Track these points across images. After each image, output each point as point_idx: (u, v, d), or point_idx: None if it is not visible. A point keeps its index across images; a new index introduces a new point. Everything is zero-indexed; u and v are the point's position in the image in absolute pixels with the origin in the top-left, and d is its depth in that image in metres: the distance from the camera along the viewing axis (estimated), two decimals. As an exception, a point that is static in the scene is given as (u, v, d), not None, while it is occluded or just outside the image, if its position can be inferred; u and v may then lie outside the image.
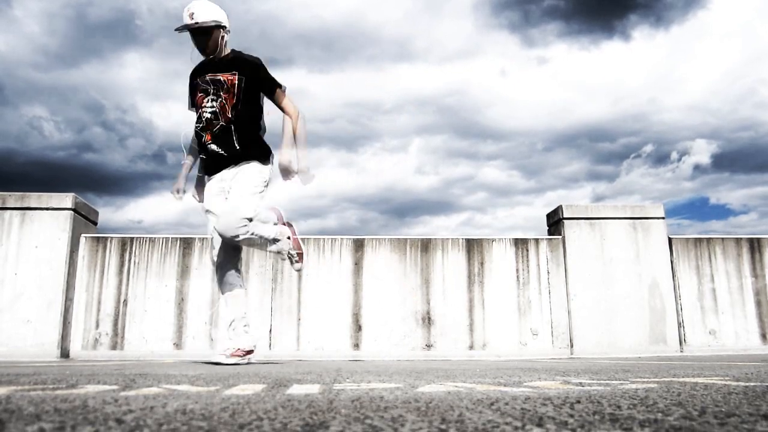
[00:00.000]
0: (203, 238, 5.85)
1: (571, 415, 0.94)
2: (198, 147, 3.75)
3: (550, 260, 5.93)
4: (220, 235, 3.50)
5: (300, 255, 3.75)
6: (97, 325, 5.59)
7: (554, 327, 5.76)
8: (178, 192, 3.85)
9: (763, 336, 5.85)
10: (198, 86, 3.68)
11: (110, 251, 5.77)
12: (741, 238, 6.16)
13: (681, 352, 5.73)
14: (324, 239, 5.88)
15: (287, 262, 3.75)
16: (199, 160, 3.84)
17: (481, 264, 5.88)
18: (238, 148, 3.58)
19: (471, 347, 5.65)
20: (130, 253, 5.77)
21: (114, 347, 5.53)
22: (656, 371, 2.32)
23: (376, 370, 2.69)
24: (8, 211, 5.59)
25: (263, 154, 3.69)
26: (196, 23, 3.54)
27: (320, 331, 5.64)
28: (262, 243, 3.59)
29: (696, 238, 6.13)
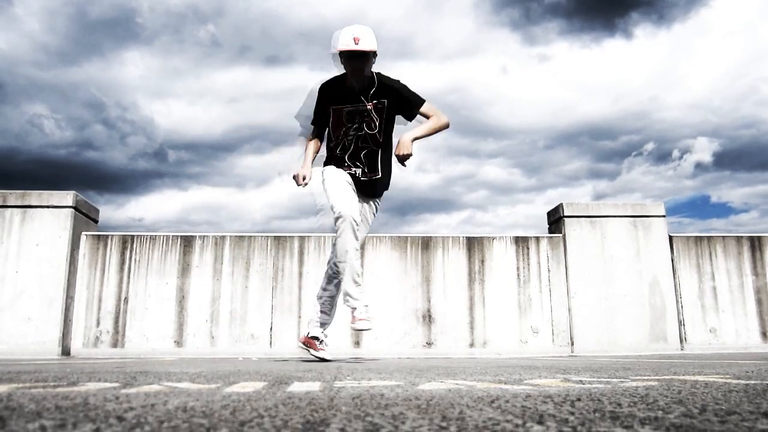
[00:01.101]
0: (204, 236, 5.86)
1: (572, 413, 0.94)
2: (335, 164, 3.80)
3: (551, 258, 5.93)
4: (341, 253, 3.66)
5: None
6: (98, 323, 5.59)
7: (555, 325, 5.76)
8: (304, 179, 3.79)
9: (764, 334, 5.85)
10: (341, 114, 3.73)
11: (111, 249, 5.78)
12: (741, 237, 6.16)
13: (681, 350, 5.73)
14: (325, 237, 5.88)
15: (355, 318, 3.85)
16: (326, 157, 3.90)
17: (482, 262, 5.88)
18: (380, 176, 3.79)
19: (471, 345, 5.65)
20: (131, 251, 5.78)
21: (115, 345, 5.54)
22: (657, 369, 2.32)
23: (376, 367, 2.69)
24: (9, 209, 5.59)
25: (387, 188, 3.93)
26: (362, 50, 3.58)
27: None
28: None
29: (696, 237, 6.13)
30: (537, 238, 6.02)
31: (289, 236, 5.91)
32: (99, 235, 5.86)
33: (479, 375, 1.99)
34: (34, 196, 5.64)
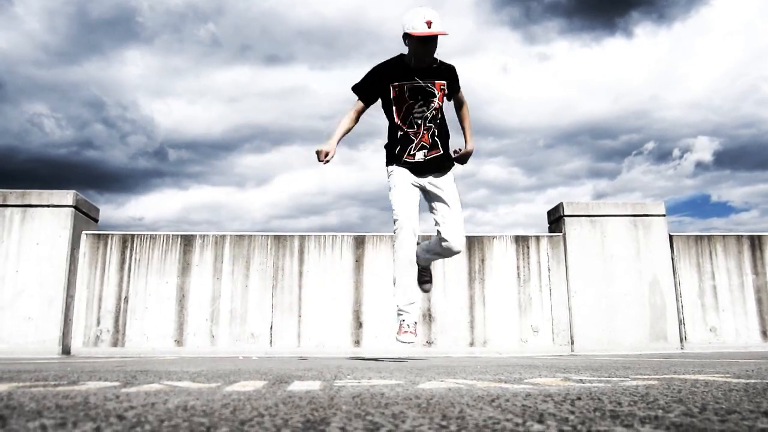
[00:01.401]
0: (204, 235, 5.86)
1: (572, 412, 0.94)
2: (398, 148, 3.78)
3: (551, 257, 5.93)
4: (452, 244, 3.76)
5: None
6: (98, 322, 5.60)
7: (555, 324, 5.76)
8: (326, 156, 3.72)
9: (764, 333, 5.85)
10: (403, 90, 3.71)
11: (111, 248, 5.78)
12: (742, 236, 6.16)
13: (681, 349, 5.73)
14: (325, 236, 5.88)
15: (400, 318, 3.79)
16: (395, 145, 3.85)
17: (482, 261, 5.88)
18: (442, 152, 3.80)
19: (471, 344, 5.65)
20: (131, 250, 5.78)
21: (115, 344, 5.54)
22: (657, 368, 2.32)
23: (376, 366, 2.69)
24: (9, 209, 5.59)
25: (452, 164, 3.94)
26: (436, 33, 3.53)
27: (321, 328, 5.65)
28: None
29: (697, 236, 6.13)
30: (537, 237, 6.02)
31: (289, 235, 5.91)
32: (99, 235, 5.86)
33: (479, 374, 1.99)
34: (35, 196, 5.64)
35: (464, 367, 2.53)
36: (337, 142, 3.77)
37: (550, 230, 6.33)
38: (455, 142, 3.90)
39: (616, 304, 5.77)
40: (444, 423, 0.83)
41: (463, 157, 3.89)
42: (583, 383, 1.55)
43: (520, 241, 5.97)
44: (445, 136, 3.84)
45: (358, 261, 5.82)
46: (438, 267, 5.83)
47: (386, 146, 3.90)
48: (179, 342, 5.57)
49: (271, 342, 5.59)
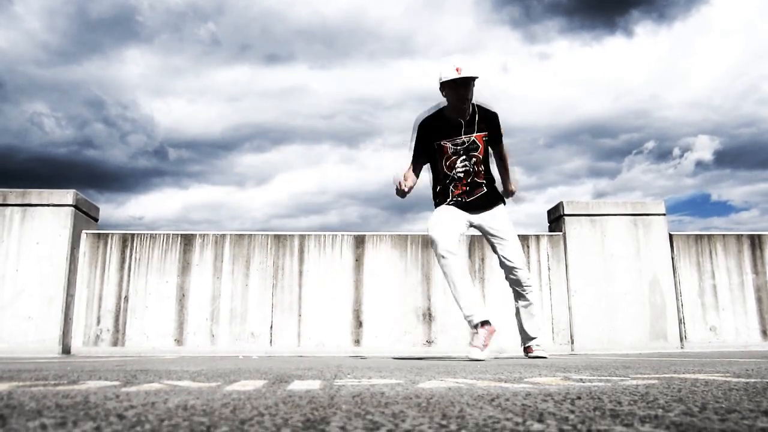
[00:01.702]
0: (204, 235, 5.86)
1: (572, 411, 0.94)
2: (443, 194, 3.91)
3: (551, 256, 5.93)
4: (514, 264, 3.94)
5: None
6: (98, 322, 5.60)
7: (555, 323, 5.76)
8: (402, 184, 3.78)
9: (764, 332, 5.85)
10: (443, 149, 3.81)
11: (111, 247, 5.78)
12: (742, 235, 6.16)
13: (681, 348, 5.73)
14: (325, 235, 5.88)
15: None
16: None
17: (482, 260, 5.88)
18: (485, 191, 3.91)
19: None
20: (131, 250, 5.78)
21: (115, 343, 5.54)
22: (657, 367, 2.32)
23: (376, 366, 2.69)
24: (9, 208, 5.60)
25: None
26: (466, 76, 3.65)
27: (321, 328, 5.65)
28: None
29: (697, 235, 6.13)
30: (537, 237, 6.02)
31: (289, 234, 5.91)
32: (99, 234, 5.86)
33: (479, 373, 2.00)
34: (35, 195, 5.64)
35: (464, 367, 2.53)
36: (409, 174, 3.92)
37: (550, 229, 6.33)
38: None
39: (616, 303, 5.77)
40: (444, 422, 0.83)
41: (508, 194, 4.10)
42: (583, 382, 1.55)
43: (520, 239, 5.96)
44: (489, 179, 3.94)
45: (358, 260, 5.82)
46: (438, 266, 5.83)
47: (433, 190, 4.03)
48: (179, 341, 5.57)
49: (271, 341, 5.59)
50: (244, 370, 2.27)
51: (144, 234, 5.86)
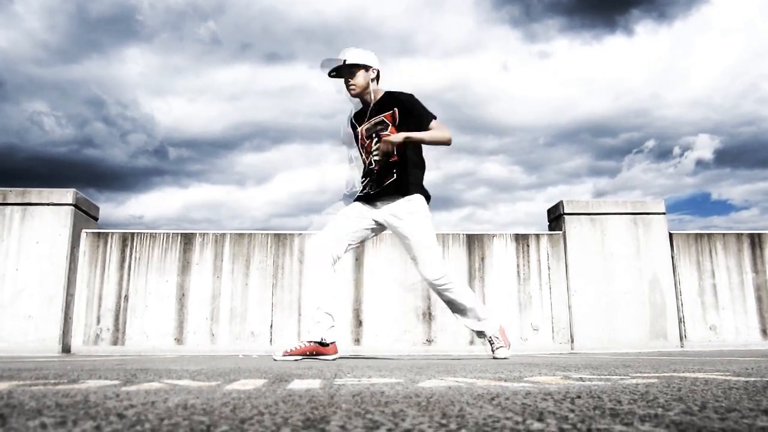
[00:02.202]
0: (204, 234, 5.86)
1: (572, 410, 0.94)
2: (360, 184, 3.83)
3: (551, 255, 5.93)
4: (418, 268, 3.76)
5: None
6: (98, 321, 5.60)
7: (555, 322, 5.77)
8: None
9: (764, 331, 5.86)
10: (362, 132, 3.76)
11: (111, 247, 5.78)
12: (742, 234, 6.16)
13: (681, 347, 5.74)
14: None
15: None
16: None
17: (482, 259, 5.88)
18: (395, 177, 3.63)
19: (472, 342, 5.65)
20: (131, 249, 5.78)
21: (115, 343, 5.54)
22: (657, 366, 2.32)
23: (376, 365, 2.69)
24: (9, 207, 5.60)
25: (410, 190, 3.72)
26: (347, 64, 3.64)
27: (321, 327, 5.64)
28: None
29: (697, 234, 6.13)
30: (537, 236, 6.02)
31: (290, 234, 5.91)
32: (99, 233, 5.86)
33: (479, 372, 2.00)
34: (34, 194, 5.64)
35: (464, 366, 2.53)
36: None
37: (550, 228, 6.33)
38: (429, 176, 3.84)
39: (616, 302, 5.77)
40: (444, 421, 0.83)
41: (385, 145, 3.50)
42: (583, 381, 1.55)
43: (520, 239, 5.98)
44: (403, 166, 3.64)
45: (358, 260, 5.82)
46: (438, 265, 5.82)
47: None
48: (179, 340, 5.57)
49: (271, 340, 5.59)
50: (244, 369, 2.27)
51: (144, 233, 5.86)
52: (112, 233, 5.86)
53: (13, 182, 5.70)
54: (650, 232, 5.99)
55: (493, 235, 5.97)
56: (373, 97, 3.73)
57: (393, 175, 3.63)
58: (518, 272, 5.86)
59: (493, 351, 3.80)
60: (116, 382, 1.56)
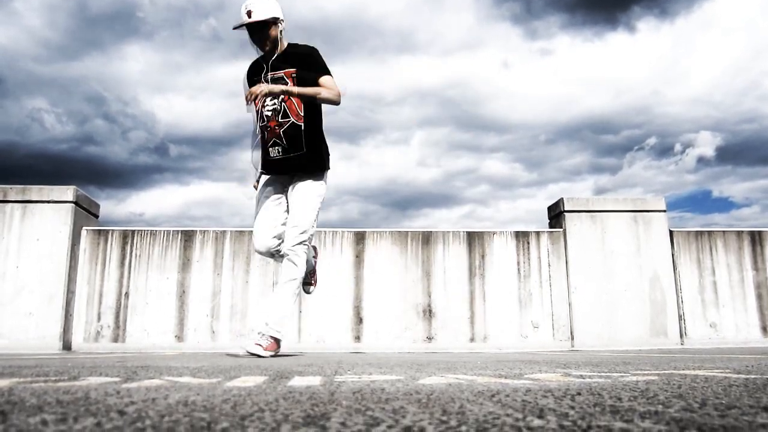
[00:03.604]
0: (204, 231, 5.86)
1: (572, 407, 0.94)
2: (261, 146, 3.68)
3: (551, 253, 5.93)
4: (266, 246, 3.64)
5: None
6: (99, 318, 5.60)
7: (555, 320, 5.77)
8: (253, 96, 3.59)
9: (764, 329, 5.86)
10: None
11: (111, 244, 5.78)
12: (742, 231, 6.16)
13: (682, 344, 5.74)
14: (325, 232, 5.88)
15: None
16: (256, 156, 3.78)
17: (482, 257, 5.88)
18: (305, 151, 3.57)
19: (472, 340, 5.66)
20: (132, 246, 5.78)
21: (115, 340, 5.55)
22: (657, 364, 2.32)
23: (377, 362, 2.70)
24: (9, 204, 5.59)
25: (325, 165, 3.71)
26: (255, 20, 3.54)
27: (321, 324, 5.65)
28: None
29: (697, 231, 6.13)
30: (537, 233, 6.02)
31: (290, 231, 5.90)
32: (99, 230, 5.86)
33: (480, 369, 2.00)
34: (35, 191, 5.64)
35: (464, 363, 2.53)
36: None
37: (551, 226, 6.33)
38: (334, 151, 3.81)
39: (617, 299, 5.77)
40: (444, 418, 0.83)
41: (253, 92, 3.44)
42: (583, 379, 1.55)
43: (521, 236, 5.97)
44: (311, 135, 3.59)
45: (359, 257, 5.82)
46: (438, 262, 5.83)
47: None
48: (180, 338, 5.58)
49: (271, 338, 5.59)
50: (245, 366, 2.28)
51: (144, 230, 5.86)
52: (113, 231, 5.86)
53: (14, 179, 5.70)
54: (651, 229, 5.98)
55: (494, 233, 5.97)
56: (279, 49, 3.65)
57: (303, 148, 3.57)
58: (519, 270, 5.87)
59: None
60: (117, 379, 1.57)
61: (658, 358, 3.01)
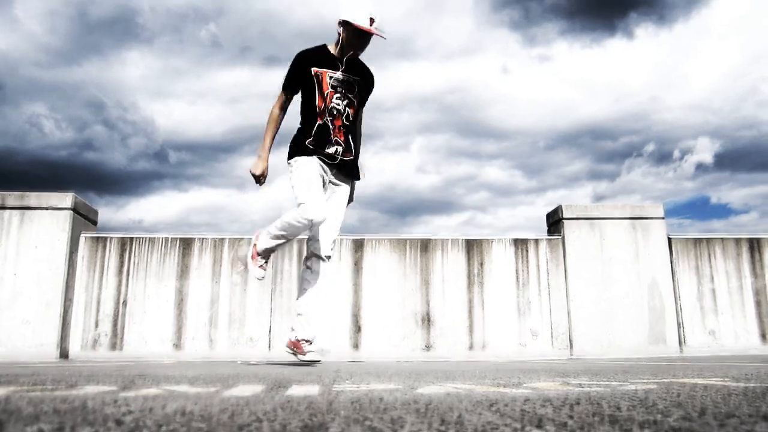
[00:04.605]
0: (203, 239, 5.85)
1: (571, 417, 0.94)
2: (315, 137, 3.57)
3: (550, 260, 5.93)
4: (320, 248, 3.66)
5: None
6: (97, 326, 5.59)
7: (554, 327, 5.76)
8: (263, 177, 3.66)
9: (763, 336, 5.85)
10: (321, 77, 3.56)
11: (110, 251, 5.77)
12: (740, 238, 6.16)
13: (680, 352, 5.73)
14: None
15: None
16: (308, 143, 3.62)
17: (481, 264, 5.87)
18: (353, 158, 3.70)
19: (470, 348, 5.64)
20: (130, 253, 5.77)
21: (113, 348, 5.53)
22: (656, 372, 2.32)
23: (375, 371, 2.69)
24: (8, 211, 5.59)
25: (359, 177, 3.83)
26: (379, 34, 3.54)
27: (320, 332, 5.63)
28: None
29: (695, 238, 6.13)
30: (536, 240, 6.02)
31: (288, 238, 5.90)
32: (98, 237, 5.85)
33: (478, 378, 1.99)
34: (33, 198, 5.64)
35: (463, 372, 2.53)
36: (269, 152, 3.67)
37: (549, 233, 6.33)
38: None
39: (615, 307, 5.77)
40: (442, 428, 0.83)
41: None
42: (582, 387, 1.55)
43: (519, 244, 5.97)
44: (357, 142, 3.76)
45: (357, 264, 5.81)
46: (437, 270, 5.83)
47: (296, 138, 3.66)
48: (178, 346, 5.56)
49: (269, 346, 5.58)
50: (243, 375, 2.27)
51: (143, 237, 5.86)
52: (111, 237, 5.85)
53: (13, 186, 5.70)
54: (649, 236, 5.99)
55: (492, 240, 5.97)
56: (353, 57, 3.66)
57: (352, 154, 3.71)
58: (517, 277, 5.86)
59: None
60: (114, 387, 1.56)
61: (657, 366, 3.01)
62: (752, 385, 1.57)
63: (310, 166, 3.54)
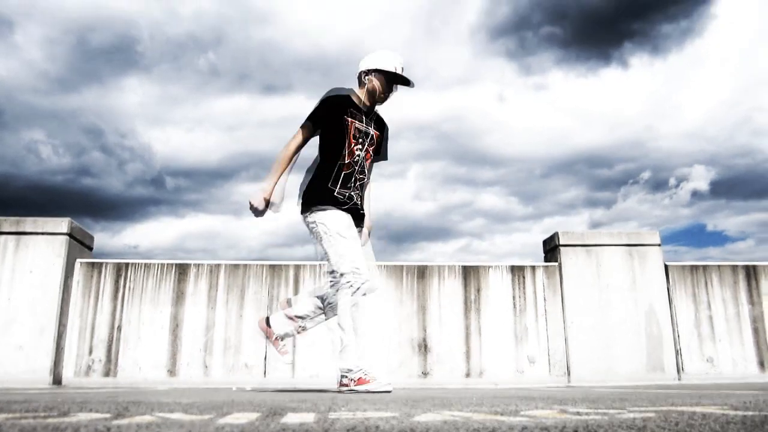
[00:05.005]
0: (198, 264, 5.84)
1: (569, 445, 0.93)
2: (341, 187, 3.49)
3: (547, 287, 5.92)
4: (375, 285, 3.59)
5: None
6: (91, 352, 5.54)
7: (551, 354, 5.73)
8: (274, 205, 3.52)
9: (761, 364, 5.83)
10: (350, 126, 3.51)
11: (105, 277, 5.75)
12: (737, 265, 6.17)
13: (679, 379, 5.70)
14: (319, 265, 5.86)
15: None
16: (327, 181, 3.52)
17: (478, 291, 5.86)
18: (362, 208, 3.64)
19: (467, 375, 5.60)
20: (125, 279, 5.75)
21: (107, 374, 5.47)
22: (654, 400, 2.30)
23: (371, 398, 2.66)
24: (3, 236, 5.58)
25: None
26: (409, 81, 3.60)
27: (315, 359, 5.59)
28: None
29: (692, 265, 6.14)
30: (533, 267, 6.02)
31: (285, 264, 5.89)
32: (93, 263, 5.83)
33: (475, 406, 1.98)
34: (29, 223, 5.63)
35: (460, 399, 2.50)
36: (273, 189, 3.52)
37: (546, 260, 6.33)
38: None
39: (613, 334, 5.75)
40: (439, 457, 0.82)
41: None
42: (580, 415, 1.54)
43: (516, 270, 5.97)
44: (366, 198, 3.71)
45: (354, 290, 5.79)
46: (433, 297, 5.81)
47: (318, 186, 3.50)
48: (172, 372, 5.50)
49: (265, 372, 5.53)
50: (238, 402, 2.25)
51: (138, 263, 5.84)
52: (106, 263, 5.83)
53: (9, 211, 5.69)
54: (646, 263, 6.00)
55: (489, 267, 5.97)
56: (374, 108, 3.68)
57: (362, 200, 3.65)
58: (514, 304, 5.85)
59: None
60: (107, 415, 1.54)
61: (655, 394, 2.99)
62: (750, 413, 1.56)
63: (346, 221, 3.44)
